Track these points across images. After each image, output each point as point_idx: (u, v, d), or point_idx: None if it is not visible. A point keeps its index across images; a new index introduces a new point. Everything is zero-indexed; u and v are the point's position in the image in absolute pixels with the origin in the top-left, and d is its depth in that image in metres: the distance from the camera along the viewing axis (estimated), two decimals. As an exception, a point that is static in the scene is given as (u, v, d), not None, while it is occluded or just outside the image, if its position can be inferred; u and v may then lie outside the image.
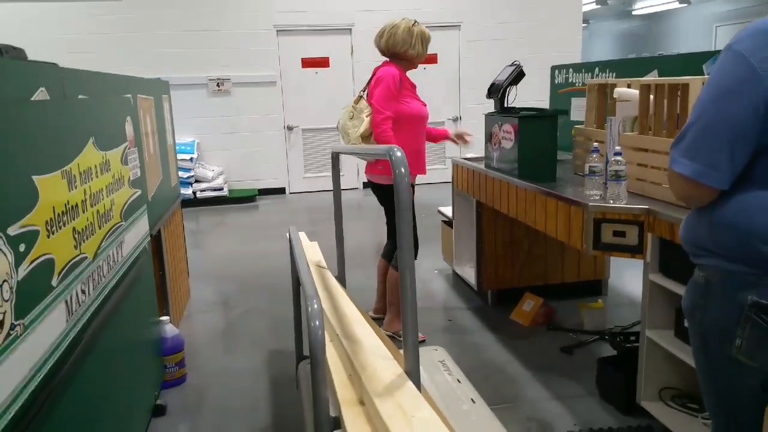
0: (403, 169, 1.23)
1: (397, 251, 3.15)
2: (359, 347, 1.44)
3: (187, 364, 2.99)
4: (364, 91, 3.18)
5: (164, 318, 2.90)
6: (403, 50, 3.07)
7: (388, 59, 3.17)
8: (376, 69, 3.16)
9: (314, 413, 1.22)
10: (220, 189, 7.44)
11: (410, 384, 1.20)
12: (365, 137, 3.04)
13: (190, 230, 6.28)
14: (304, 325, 2.11)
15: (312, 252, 2.75)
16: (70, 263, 1.63)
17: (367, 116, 3.02)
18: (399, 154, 1.26)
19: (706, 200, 1.26)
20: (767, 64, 1.13)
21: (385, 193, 3.17)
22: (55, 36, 7.00)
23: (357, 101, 3.15)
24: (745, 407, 1.33)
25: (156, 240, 3.15)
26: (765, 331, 1.19)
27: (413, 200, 3.20)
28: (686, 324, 1.46)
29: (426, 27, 3.18)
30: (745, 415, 1.34)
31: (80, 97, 1.95)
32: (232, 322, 3.70)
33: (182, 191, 7.18)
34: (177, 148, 7.27)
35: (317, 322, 1.21)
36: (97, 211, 1.93)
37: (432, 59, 8.01)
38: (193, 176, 7.28)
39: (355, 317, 1.72)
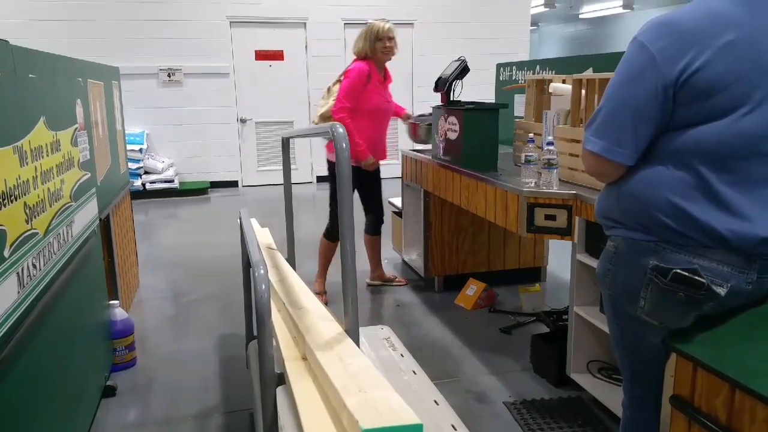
0: (344, 144, 1.34)
1: (366, 221, 3.74)
2: (304, 312, 1.54)
3: (137, 349, 3.02)
4: (341, 76, 3.56)
5: (114, 302, 2.91)
6: (362, 53, 3.52)
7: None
8: (353, 62, 3.56)
9: (260, 370, 1.31)
10: (171, 181, 7.36)
11: (349, 340, 1.31)
12: (325, 117, 3.50)
13: (140, 222, 6.19)
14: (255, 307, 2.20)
15: (263, 236, 2.82)
16: (22, 236, 1.67)
17: (332, 100, 3.47)
18: (341, 130, 1.37)
19: (614, 175, 1.42)
20: (665, 53, 1.28)
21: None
22: (1, 22, 6.79)
23: (334, 84, 3.57)
24: (649, 362, 1.50)
25: (105, 226, 3.15)
26: (664, 292, 1.35)
27: (379, 177, 3.68)
28: (600, 288, 1.62)
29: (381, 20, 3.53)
30: (649, 369, 1.51)
31: (30, 76, 1.97)
32: (182, 309, 3.73)
33: (131, 182, 7.09)
34: (126, 138, 7.18)
35: (263, 286, 1.30)
36: (48, 189, 1.96)
37: (385, 56, 8.14)
38: (142, 167, 7.18)
39: (302, 290, 1.82)
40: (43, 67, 2.12)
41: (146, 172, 7.27)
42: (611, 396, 2.39)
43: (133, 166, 7.05)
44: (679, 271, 1.31)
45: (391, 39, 3.52)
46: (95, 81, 3.04)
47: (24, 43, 1.90)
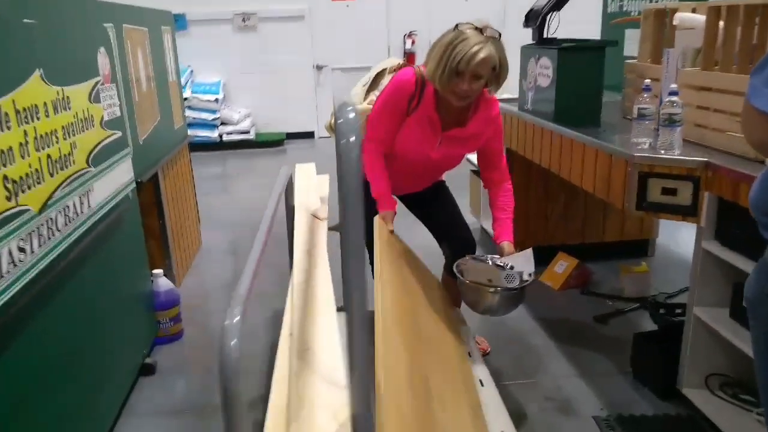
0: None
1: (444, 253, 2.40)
2: (305, 366, 1.15)
3: (185, 320, 2.81)
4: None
5: (157, 271, 2.69)
6: (430, 79, 1.98)
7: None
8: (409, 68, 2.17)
9: None
10: (247, 132, 7.18)
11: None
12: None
13: (215, 175, 6.10)
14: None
15: (315, 191, 2.45)
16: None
17: (372, 97, 2.35)
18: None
19: None
20: None
21: None
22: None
23: (389, 72, 2.41)
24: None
25: (153, 187, 2.92)
26: None
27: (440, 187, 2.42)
28: (749, 316, 1.12)
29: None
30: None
31: (25, 20, 1.66)
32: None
33: (208, 134, 6.97)
34: (202, 88, 7.00)
35: (233, 342, 0.90)
36: (48, 156, 1.67)
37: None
38: (218, 118, 7.02)
39: (324, 306, 1.44)
40: (48, 11, 1.80)
41: (223, 123, 7.11)
42: (735, 421, 1.87)
43: (209, 117, 6.93)
44: None
45: (479, 78, 1.89)
46: (135, 27, 2.73)
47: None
